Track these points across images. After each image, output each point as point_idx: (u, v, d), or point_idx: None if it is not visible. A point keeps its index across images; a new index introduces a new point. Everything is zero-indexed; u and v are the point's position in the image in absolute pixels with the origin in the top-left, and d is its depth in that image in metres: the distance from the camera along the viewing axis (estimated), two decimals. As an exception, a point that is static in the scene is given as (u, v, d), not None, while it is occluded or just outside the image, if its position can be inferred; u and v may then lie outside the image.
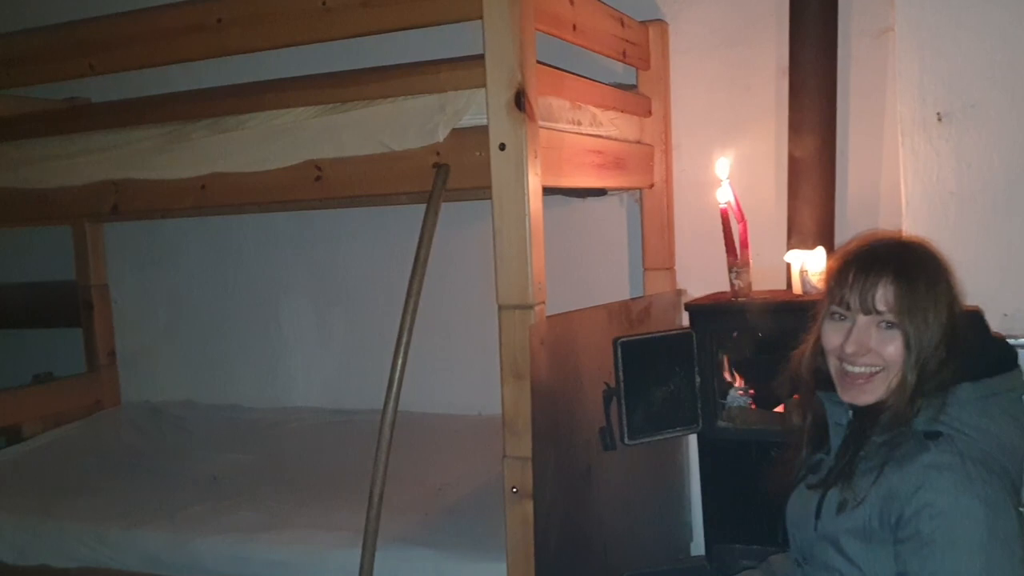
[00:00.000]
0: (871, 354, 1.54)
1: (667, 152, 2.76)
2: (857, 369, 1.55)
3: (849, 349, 1.55)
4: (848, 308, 1.55)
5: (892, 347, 1.52)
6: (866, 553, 1.50)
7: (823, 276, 1.65)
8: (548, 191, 2.07)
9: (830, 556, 1.55)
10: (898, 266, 1.53)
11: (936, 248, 1.63)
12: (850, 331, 1.55)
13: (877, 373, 1.54)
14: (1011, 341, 2.11)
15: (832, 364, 1.60)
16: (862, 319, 1.54)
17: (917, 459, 1.46)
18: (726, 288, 2.45)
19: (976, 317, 1.64)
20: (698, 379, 2.32)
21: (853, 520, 1.52)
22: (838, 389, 1.60)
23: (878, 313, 1.52)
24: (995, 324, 2.13)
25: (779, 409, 2.35)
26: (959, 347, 1.53)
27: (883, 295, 1.52)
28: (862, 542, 1.50)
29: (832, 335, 1.58)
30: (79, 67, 2.51)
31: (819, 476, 1.62)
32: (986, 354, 1.57)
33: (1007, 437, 1.50)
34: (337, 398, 3.41)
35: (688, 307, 2.48)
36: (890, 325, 1.52)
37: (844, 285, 1.55)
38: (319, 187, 2.25)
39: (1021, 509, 1.49)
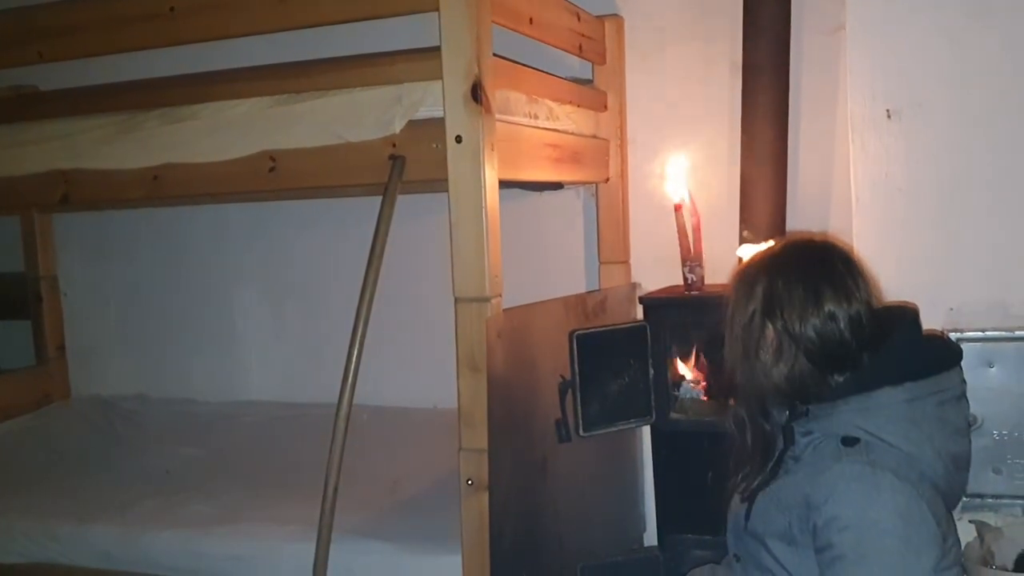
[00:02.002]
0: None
1: (622, 146, 2.78)
2: None
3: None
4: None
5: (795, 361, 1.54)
6: (791, 556, 1.51)
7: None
8: (504, 184, 2.07)
9: (762, 556, 1.57)
10: (801, 277, 1.54)
11: (825, 249, 1.61)
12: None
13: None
14: (955, 335, 2.17)
15: None
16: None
17: (831, 468, 1.47)
18: (680, 282, 2.47)
19: (906, 314, 1.62)
20: (652, 371, 2.34)
21: (776, 524, 1.53)
22: None
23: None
24: (941, 318, 2.18)
25: (732, 401, 2.37)
26: (875, 346, 1.52)
27: (789, 311, 1.52)
28: (787, 545, 1.52)
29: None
30: (27, 54, 2.47)
31: (748, 481, 1.63)
32: (912, 356, 1.56)
33: (935, 441, 1.49)
34: (291, 392, 3.38)
35: (642, 300, 2.50)
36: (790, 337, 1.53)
37: (744, 299, 1.57)
38: (273, 178, 2.23)
39: (961, 514, 1.51)
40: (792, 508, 1.50)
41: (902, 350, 1.55)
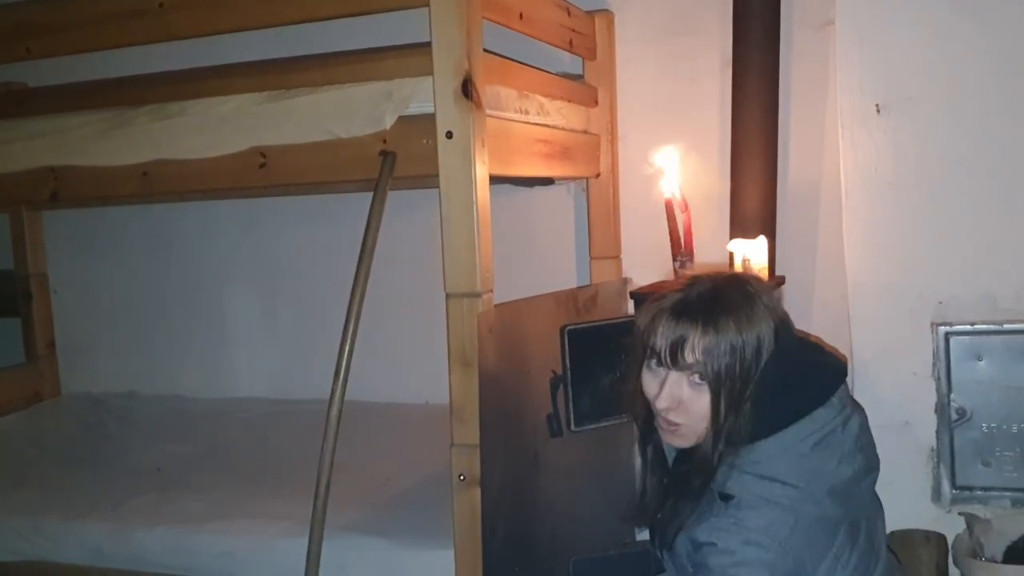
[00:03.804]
0: (680, 408, 1.52)
1: (613, 142, 2.79)
2: (669, 417, 1.54)
3: (661, 405, 1.53)
4: (658, 362, 1.52)
5: (701, 402, 1.50)
6: None
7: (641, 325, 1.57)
8: (495, 180, 2.07)
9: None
10: (708, 316, 1.48)
11: (755, 285, 1.58)
12: (663, 383, 1.52)
13: (681, 426, 1.54)
14: (945, 328, 2.19)
15: (652, 406, 1.57)
16: (673, 374, 1.51)
17: (708, 519, 1.49)
18: (671, 276, 2.47)
19: (784, 354, 1.52)
20: (643, 366, 2.34)
21: (678, 555, 1.57)
22: (658, 429, 1.60)
23: (688, 368, 1.49)
24: (930, 311, 2.20)
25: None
26: (762, 397, 1.49)
27: (691, 348, 1.48)
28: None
29: (649, 383, 1.56)
30: (16, 51, 2.46)
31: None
32: (783, 400, 1.51)
33: (814, 485, 1.48)
34: (283, 388, 3.38)
35: (634, 295, 2.50)
36: (701, 379, 1.49)
37: (655, 335, 1.52)
38: (264, 174, 2.23)
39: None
40: (685, 544, 1.54)
41: (773, 394, 1.50)
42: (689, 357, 1.48)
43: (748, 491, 1.49)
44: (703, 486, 1.52)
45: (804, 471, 1.49)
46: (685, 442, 1.56)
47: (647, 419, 1.62)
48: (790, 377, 1.51)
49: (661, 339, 1.51)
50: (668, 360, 1.50)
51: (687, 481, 1.55)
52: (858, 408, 1.61)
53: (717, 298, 1.52)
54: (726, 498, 1.50)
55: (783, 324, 1.55)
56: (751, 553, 1.45)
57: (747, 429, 1.49)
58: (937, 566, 2.12)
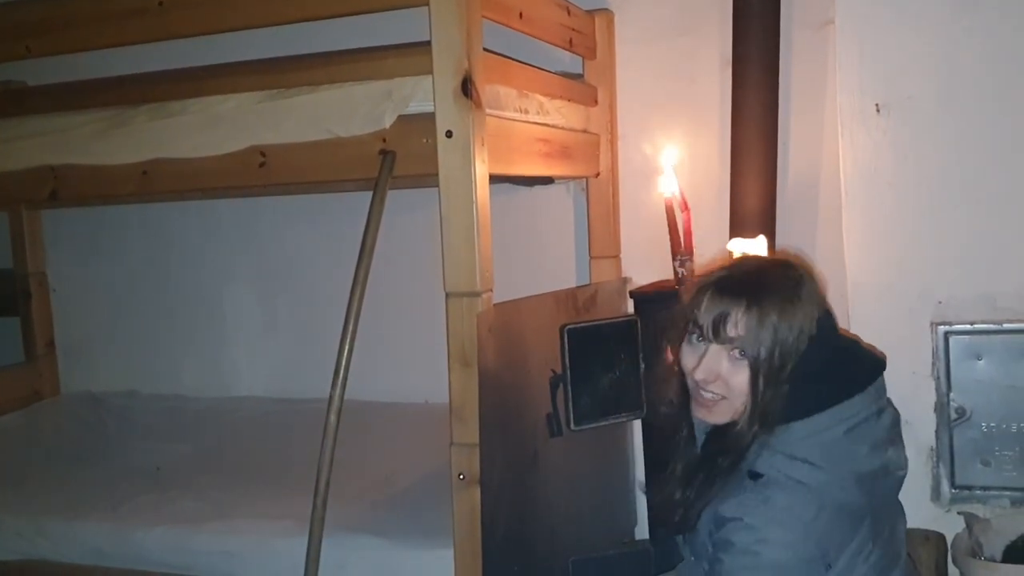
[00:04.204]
0: (719, 382, 1.54)
1: (613, 141, 2.78)
2: (706, 394, 1.56)
3: (699, 376, 1.55)
4: (701, 334, 1.54)
5: (740, 377, 1.52)
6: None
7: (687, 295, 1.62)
8: (495, 179, 2.07)
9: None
10: (752, 293, 1.51)
11: (801, 269, 1.59)
12: (702, 356, 1.55)
13: (721, 400, 1.55)
14: (944, 328, 2.19)
15: (688, 381, 1.60)
16: (714, 347, 1.53)
17: (734, 496, 1.51)
18: (670, 276, 2.48)
19: (821, 332, 1.55)
20: (642, 365, 2.34)
21: (699, 535, 1.59)
22: (692, 405, 1.61)
23: (729, 341, 1.52)
24: (930, 311, 2.20)
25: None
26: (799, 380, 1.51)
27: (734, 323, 1.50)
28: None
29: (688, 356, 1.58)
30: (15, 49, 2.45)
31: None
32: (820, 385, 1.53)
33: (839, 471, 1.50)
34: (282, 387, 3.38)
35: (633, 294, 2.50)
36: (742, 354, 1.51)
37: (698, 310, 1.54)
38: (263, 173, 2.23)
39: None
40: (707, 523, 1.56)
41: (811, 378, 1.52)
42: (731, 332, 1.51)
43: (777, 470, 1.50)
44: (734, 464, 1.54)
45: (834, 455, 1.50)
46: (721, 417, 1.57)
47: (683, 397, 1.64)
48: (829, 363, 1.54)
49: (705, 313, 1.53)
50: (710, 333, 1.53)
51: (717, 460, 1.57)
52: (892, 405, 1.63)
53: (762, 278, 1.56)
54: (755, 476, 1.51)
55: (826, 312, 1.57)
56: (775, 532, 1.46)
57: (783, 410, 1.51)
58: (936, 565, 2.12)
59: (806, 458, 1.50)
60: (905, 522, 1.67)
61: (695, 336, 1.56)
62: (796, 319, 1.51)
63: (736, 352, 1.52)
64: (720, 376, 1.54)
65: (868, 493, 1.53)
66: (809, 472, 1.49)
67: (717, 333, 1.52)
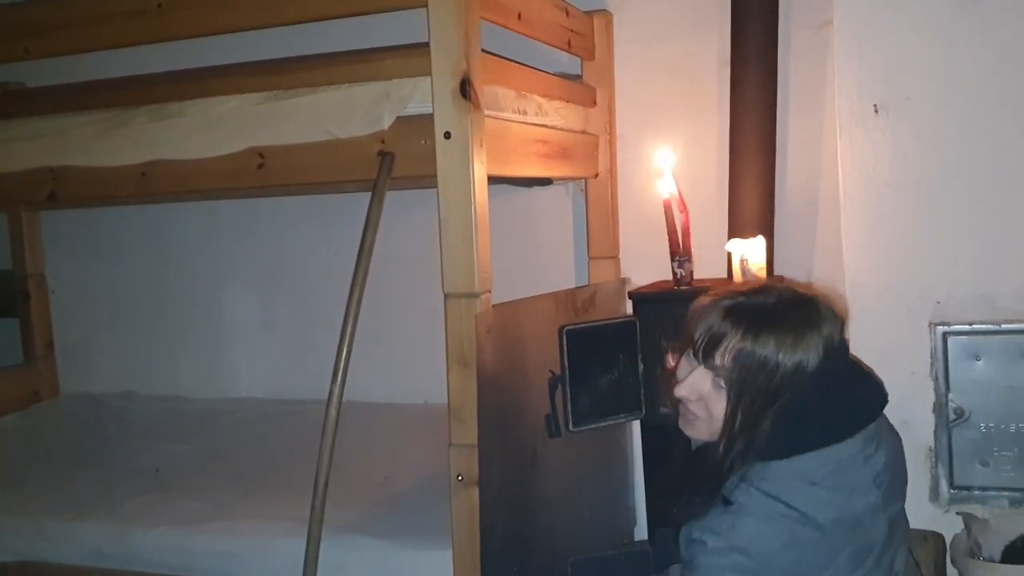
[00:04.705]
0: (700, 402, 1.54)
1: (611, 142, 2.79)
2: (688, 405, 1.56)
3: (680, 393, 1.55)
4: (694, 352, 1.54)
5: (720, 406, 1.51)
6: None
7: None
8: (494, 180, 2.07)
9: None
10: (755, 326, 1.48)
11: (829, 307, 1.54)
12: (690, 373, 1.54)
13: (699, 419, 1.55)
14: (943, 328, 2.19)
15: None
16: (700, 369, 1.53)
17: (705, 518, 1.49)
18: (669, 277, 2.48)
19: (824, 381, 1.50)
20: (641, 366, 2.34)
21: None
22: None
23: (714, 370, 1.50)
24: (928, 312, 2.20)
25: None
26: (786, 416, 1.48)
27: (723, 352, 1.49)
28: None
29: (681, 368, 1.58)
30: (14, 51, 2.45)
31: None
32: (808, 429, 1.49)
33: (826, 510, 1.46)
34: (281, 388, 3.38)
35: (632, 295, 2.50)
36: (724, 385, 1.50)
37: (699, 325, 1.53)
38: (262, 174, 2.23)
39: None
40: (683, 538, 1.54)
41: (791, 420, 1.49)
42: (718, 360, 1.49)
43: (751, 502, 1.47)
44: (713, 489, 1.52)
45: (811, 499, 1.46)
46: (696, 434, 1.57)
47: (677, 404, 1.62)
48: (823, 403, 1.49)
49: (702, 331, 1.52)
50: (700, 354, 1.51)
51: (701, 478, 1.55)
52: (890, 440, 1.59)
53: (773, 312, 1.51)
54: (727, 503, 1.49)
55: (834, 354, 1.52)
56: (736, 559, 1.45)
57: (763, 446, 1.49)
58: (935, 566, 2.12)
59: (779, 497, 1.46)
60: (905, 544, 1.62)
61: (690, 351, 1.55)
62: (793, 360, 1.47)
63: (721, 380, 1.50)
64: (702, 397, 1.53)
65: (847, 533, 1.48)
66: (784, 511, 1.45)
67: (707, 356, 1.50)
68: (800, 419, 1.49)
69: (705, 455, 1.58)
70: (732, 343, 1.48)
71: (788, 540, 1.46)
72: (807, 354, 1.48)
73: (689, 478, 1.60)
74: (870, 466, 1.52)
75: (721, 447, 1.51)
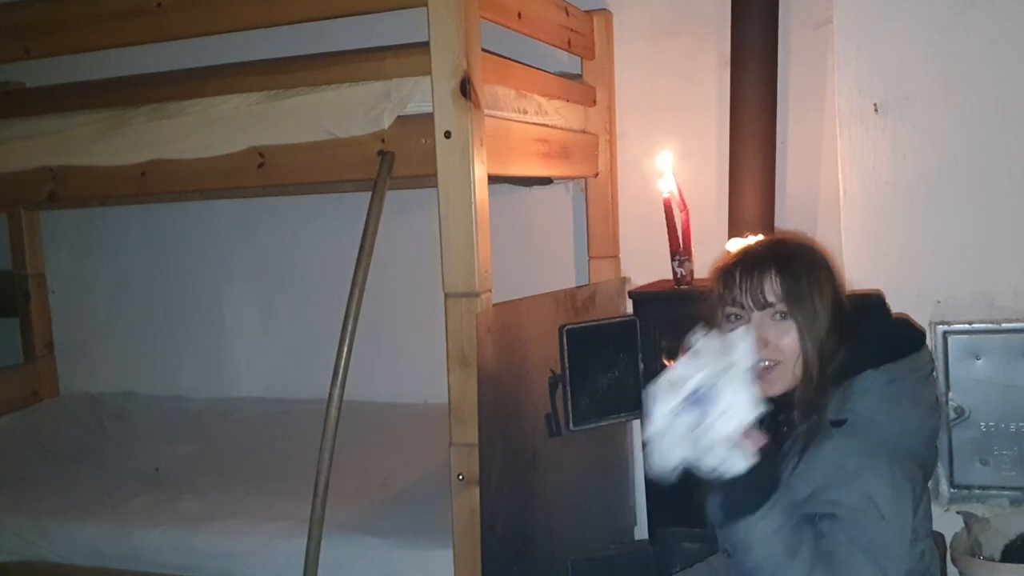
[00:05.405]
0: (769, 347, 1.56)
1: (611, 141, 2.79)
2: (760, 363, 1.57)
3: (765, 354, 1.56)
4: (742, 307, 1.58)
5: (788, 337, 1.56)
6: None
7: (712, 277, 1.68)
8: (494, 179, 2.07)
9: None
10: (778, 260, 1.59)
11: (811, 241, 1.69)
12: (747, 333, 1.55)
13: (776, 366, 1.57)
14: (943, 327, 2.19)
15: None
16: (756, 315, 1.58)
17: (825, 445, 1.51)
18: (669, 276, 2.48)
19: (875, 302, 1.70)
20: (641, 365, 2.35)
21: (786, 497, 1.54)
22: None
23: (770, 305, 1.56)
24: (929, 310, 2.20)
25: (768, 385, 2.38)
26: (853, 333, 1.57)
27: (770, 287, 1.56)
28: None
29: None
30: (14, 51, 2.45)
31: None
32: (887, 339, 1.62)
33: (912, 420, 1.56)
34: (281, 388, 3.38)
35: (632, 295, 2.50)
36: (784, 315, 1.56)
37: (733, 286, 1.59)
38: (262, 174, 2.23)
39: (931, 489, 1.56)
40: (790, 487, 1.53)
41: (878, 334, 1.61)
42: (769, 296, 1.56)
43: (859, 415, 1.52)
44: (818, 422, 1.54)
45: (907, 401, 1.55)
46: (780, 385, 1.58)
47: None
48: (888, 320, 1.67)
49: (740, 287, 1.58)
50: (750, 302, 1.57)
51: (790, 423, 1.57)
52: None
53: (782, 247, 1.65)
54: (838, 424, 1.52)
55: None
56: (883, 460, 1.48)
57: (852, 361, 1.55)
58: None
59: (881, 404, 1.53)
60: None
61: (732, 316, 1.60)
62: (822, 276, 1.58)
63: (777, 315, 1.57)
64: (769, 341, 1.56)
65: (924, 451, 1.58)
66: (888, 417, 1.52)
67: (756, 301, 1.57)
68: (882, 331, 1.63)
69: (784, 409, 1.59)
70: (772, 279, 1.56)
71: (916, 428, 1.55)
72: (828, 269, 1.60)
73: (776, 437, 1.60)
74: (933, 385, 1.62)
75: (812, 374, 1.54)
